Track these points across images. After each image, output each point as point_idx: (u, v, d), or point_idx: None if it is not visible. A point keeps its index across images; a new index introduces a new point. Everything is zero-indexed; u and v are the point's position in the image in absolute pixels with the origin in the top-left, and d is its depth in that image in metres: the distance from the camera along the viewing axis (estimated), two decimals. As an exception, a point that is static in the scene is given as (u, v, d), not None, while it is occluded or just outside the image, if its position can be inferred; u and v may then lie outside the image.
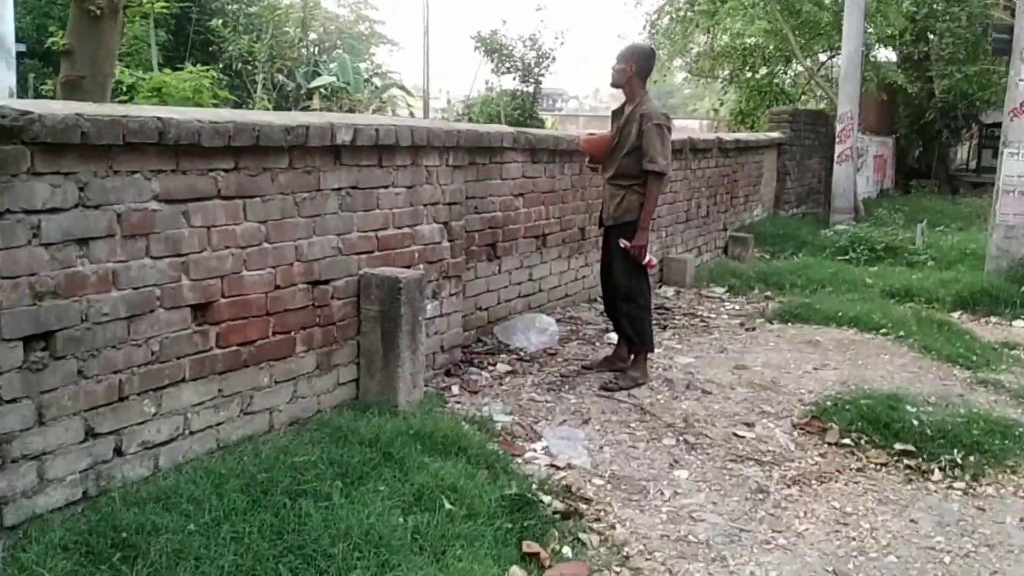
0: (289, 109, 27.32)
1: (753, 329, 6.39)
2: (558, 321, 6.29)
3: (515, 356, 5.50)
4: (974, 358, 5.73)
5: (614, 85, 5.14)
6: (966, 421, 4.50)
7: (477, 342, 5.62)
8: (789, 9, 16.21)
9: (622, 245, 4.99)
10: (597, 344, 5.90)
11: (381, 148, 4.33)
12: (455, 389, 4.84)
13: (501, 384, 5.01)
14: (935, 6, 17.68)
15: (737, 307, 7.40)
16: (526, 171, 6.03)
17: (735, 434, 4.47)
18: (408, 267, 4.61)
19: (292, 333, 3.91)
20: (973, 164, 28.34)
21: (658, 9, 20.35)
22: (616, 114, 5.19)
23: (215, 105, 11.58)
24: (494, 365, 5.30)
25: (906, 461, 4.24)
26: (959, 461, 4.20)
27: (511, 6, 27.85)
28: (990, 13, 17.15)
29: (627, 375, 5.05)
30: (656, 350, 5.43)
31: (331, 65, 27.67)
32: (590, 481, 3.89)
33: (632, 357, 5.18)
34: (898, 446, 4.33)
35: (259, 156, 3.66)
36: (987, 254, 8.13)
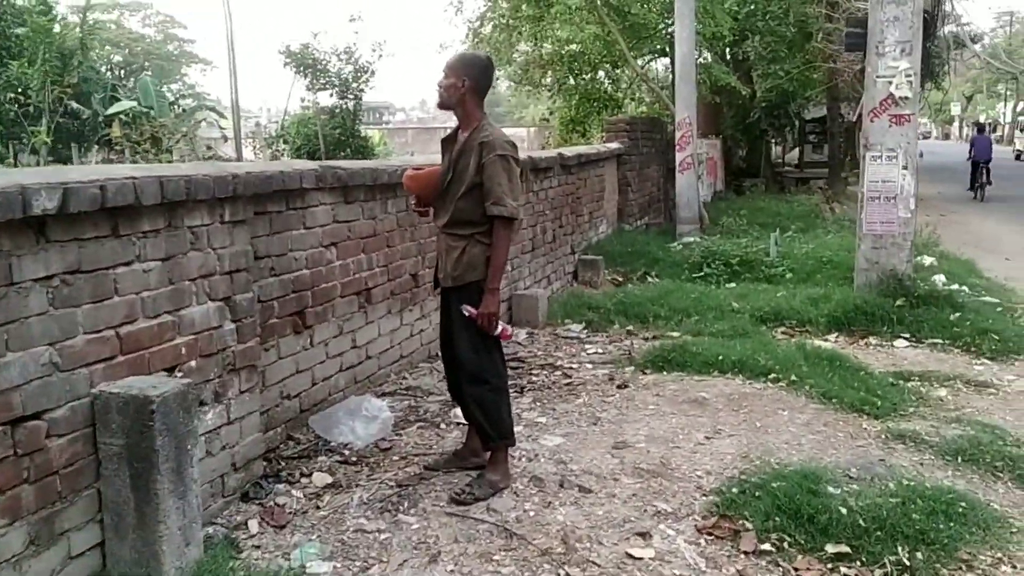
0: (87, 139, 24.87)
1: (626, 386, 5.38)
2: (393, 395, 5.11)
3: (338, 458, 4.26)
4: (879, 403, 4.94)
5: (442, 106, 3.89)
6: (901, 502, 3.66)
7: (287, 441, 4.35)
8: (618, 11, 15.60)
9: (466, 314, 3.79)
10: (442, 426, 4.73)
11: (115, 211, 3.03)
12: (253, 525, 3.56)
13: (318, 507, 3.76)
14: (754, 6, 17.58)
15: (600, 350, 6.41)
16: (338, 214, 4.82)
17: (629, 555, 3.41)
18: (173, 369, 3.32)
19: (-21, 504, 2.58)
20: (792, 159, 29.16)
21: (480, 16, 19.43)
22: (447, 143, 3.95)
23: None
24: (309, 475, 4.05)
25: (844, 569, 3.32)
26: (907, 562, 3.32)
27: (325, 19, 26.45)
28: (807, 11, 17.20)
29: (483, 480, 3.86)
30: (516, 427, 4.28)
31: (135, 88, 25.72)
32: (446, 671, 2.74)
33: (488, 454, 4.01)
34: (830, 548, 3.41)
35: None
36: (855, 267, 7.51)
